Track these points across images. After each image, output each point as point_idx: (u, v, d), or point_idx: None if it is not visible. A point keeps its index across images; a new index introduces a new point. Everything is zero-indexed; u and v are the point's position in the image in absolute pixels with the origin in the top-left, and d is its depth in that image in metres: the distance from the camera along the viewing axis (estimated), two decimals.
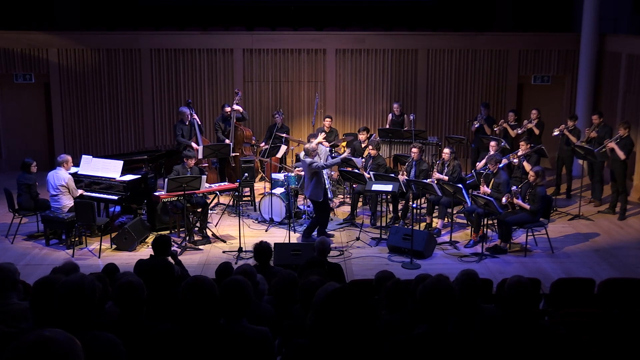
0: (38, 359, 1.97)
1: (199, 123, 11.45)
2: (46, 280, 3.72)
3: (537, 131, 11.33)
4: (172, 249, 6.59)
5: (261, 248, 6.27)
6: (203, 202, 9.55)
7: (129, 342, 3.23)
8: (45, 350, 1.98)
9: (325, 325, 2.79)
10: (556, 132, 11.14)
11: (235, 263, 8.27)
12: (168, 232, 9.48)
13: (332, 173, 10.93)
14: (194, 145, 11.13)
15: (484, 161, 10.05)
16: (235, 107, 11.52)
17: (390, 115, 12.57)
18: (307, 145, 9.38)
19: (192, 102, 11.99)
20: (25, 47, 13.11)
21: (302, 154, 9.44)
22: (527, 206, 8.84)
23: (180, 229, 9.51)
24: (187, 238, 9.19)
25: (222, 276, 5.37)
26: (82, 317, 3.04)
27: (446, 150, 9.88)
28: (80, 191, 9.33)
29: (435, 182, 9.46)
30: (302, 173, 10.33)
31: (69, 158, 9.32)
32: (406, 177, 9.72)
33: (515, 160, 10.18)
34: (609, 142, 10.26)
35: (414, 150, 9.92)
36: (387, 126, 12.39)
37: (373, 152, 10.20)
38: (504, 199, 8.88)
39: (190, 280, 3.25)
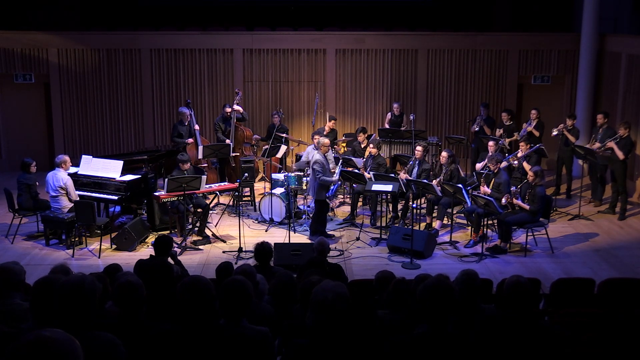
0: (38, 359, 1.97)
1: (197, 129, 11.46)
2: (46, 280, 3.71)
3: (537, 133, 11.31)
4: (173, 249, 6.59)
5: (262, 248, 6.27)
6: (204, 204, 9.54)
7: (129, 342, 3.23)
8: (45, 350, 1.98)
9: (324, 325, 2.79)
10: (555, 132, 11.12)
11: (235, 263, 8.26)
12: (168, 232, 9.48)
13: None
14: (190, 140, 11.17)
15: (483, 163, 10.04)
16: (236, 107, 11.53)
17: (389, 114, 12.56)
18: (321, 139, 9.38)
19: (192, 102, 12.00)
20: (25, 47, 13.11)
21: (311, 147, 9.50)
22: (526, 206, 8.84)
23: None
24: (184, 237, 9.19)
25: (222, 275, 5.37)
26: (83, 317, 3.04)
27: (444, 154, 9.83)
28: (77, 196, 9.26)
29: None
30: (299, 173, 10.34)
31: (67, 158, 9.30)
32: (407, 176, 9.70)
33: (516, 162, 10.18)
34: (609, 142, 10.26)
35: (419, 149, 9.89)
36: (386, 125, 12.40)
37: (374, 151, 10.18)
38: (503, 200, 8.87)
39: (187, 281, 3.25)
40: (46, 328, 2.08)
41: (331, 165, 9.57)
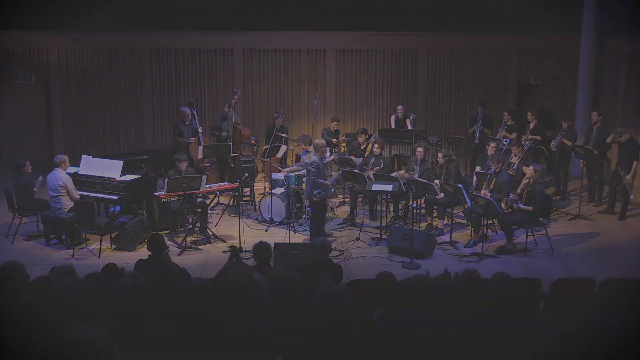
0: (72, 357, 1.97)
1: (201, 131, 11.48)
2: (42, 279, 3.71)
3: (538, 138, 11.33)
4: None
5: (261, 248, 6.27)
6: (202, 203, 9.49)
7: (125, 343, 3.22)
8: (79, 348, 1.98)
9: (322, 332, 2.79)
10: (554, 149, 11.09)
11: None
12: (168, 232, 9.48)
13: (332, 172, 10.69)
14: (192, 139, 11.19)
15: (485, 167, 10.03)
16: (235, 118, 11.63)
17: (392, 116, 12.49)
18: (317, 141, 9.37)
19: (193, 102, 12.00)
20: (25, 47, 13.11)
21: (310, 148, 9.54)
22: (529, 208, 8.78)
23: (180, 229, 9.49)
24: (185, 236, 9.18)
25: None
26: (79, 319, 3.03)
27: (440, 155, 9.84)
28: (78, 195, 9.25)
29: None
30: (299, 173, 10.33)
31: (66, 158, 9.29)
32: (416, 175, 9.66)
33: (515, 167, 10.08)
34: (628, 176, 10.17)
35: (420, 150, 9.94)
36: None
37: (377, 151, 10.19)
38: (502, 205, 8.79)
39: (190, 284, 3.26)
40: (79, 326, 2.07)
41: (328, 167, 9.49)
